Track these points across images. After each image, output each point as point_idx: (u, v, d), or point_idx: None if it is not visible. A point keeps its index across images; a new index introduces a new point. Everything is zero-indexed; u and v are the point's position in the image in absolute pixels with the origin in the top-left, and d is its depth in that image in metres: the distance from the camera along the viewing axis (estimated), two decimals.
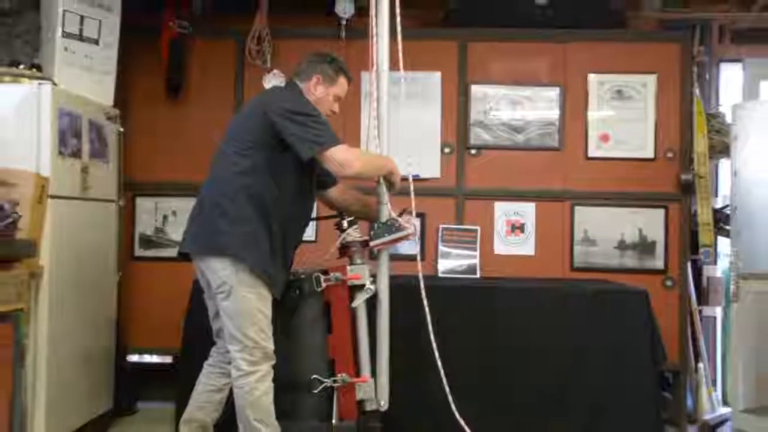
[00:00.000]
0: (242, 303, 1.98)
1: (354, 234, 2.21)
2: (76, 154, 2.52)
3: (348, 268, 2.16)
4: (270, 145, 2.01)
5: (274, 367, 2.05)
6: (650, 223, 3.01)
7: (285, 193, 2.04)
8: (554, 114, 3.07)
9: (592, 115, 3.07)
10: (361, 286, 2.15)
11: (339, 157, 1.99)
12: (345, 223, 2.22)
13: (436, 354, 2.20)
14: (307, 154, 1.98)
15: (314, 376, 2.15)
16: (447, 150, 3.08)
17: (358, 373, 2.17)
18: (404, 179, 2.21)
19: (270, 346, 2.03)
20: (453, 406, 2.22)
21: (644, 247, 3.02)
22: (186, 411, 2.16)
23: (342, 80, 2.17)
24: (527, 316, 2.57)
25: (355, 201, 2.35)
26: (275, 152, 2.02)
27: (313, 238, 2.98)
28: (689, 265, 3.03)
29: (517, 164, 3.07)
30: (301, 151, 1.98)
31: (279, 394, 2.18)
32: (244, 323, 1.97)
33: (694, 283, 3.06)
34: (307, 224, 2.21)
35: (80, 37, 2.62)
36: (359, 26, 2.73)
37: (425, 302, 2.20)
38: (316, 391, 2.13)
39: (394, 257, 2.31)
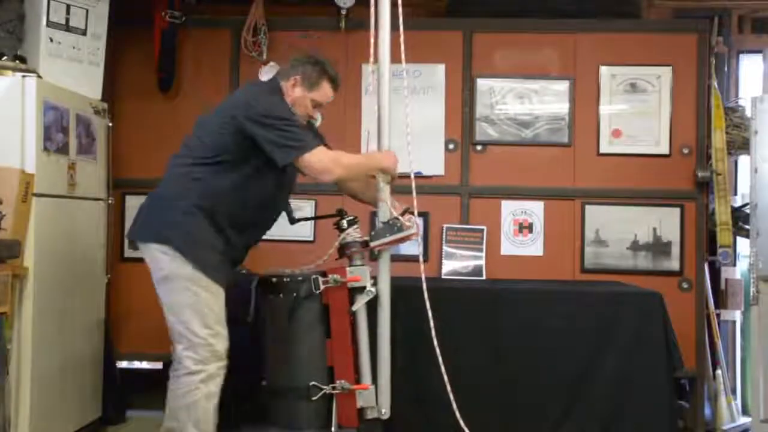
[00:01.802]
0: (183, 296, 1.93)
1: (354, 234, 2.20)
2: (63, 150, 2.48)
3: (347, 269, 2.15)
4: (235, 151, 1.95)
5: (273, 371, 2.03)
6: (665, 222, 2.94)
7: (247, 199, 1.99)
8: (564, 108, 3.00)
9: (604, 109, 3.00)
10: (362, 289, 2.14)
11: (317, 163, 1.94)
12: (345, 223, 2.21)
13: (440, 361, 2.17)
14: (283, 160, 1.93)
15: (312, 382, 2.13)
16: (451, 146, 3.01)
17: (358, 380, 2.17)
18: (406, 176, 2.17)
19: (219, 344, 1.96)
20: (458, 415, 2.18)
21: (659, 247, 2.94)
22: (164, 423, 2.10)
23: (325, 85, 2.08)
24: (535, 320, 2.52)
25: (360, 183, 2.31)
26: (240, 158, 1.96)
27: (311, 238, 2.99)
28: (706, 266, 2.97)
29: (524, 161, 3.01)
30: (276, 158, 1.93)
31: (275, 401, 2.16)
32: (188, 318, 1.93)
33: (711, 285, 3.01)
34: (269, 227, 2.16)
35: (66, 27, 2.58)
36: (360, 16, 2.68)
37: (428, 306, 2.17)
38: (314, 399, 2.12)
39: (396, 258, 2.28)
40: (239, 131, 1.93)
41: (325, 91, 2.08)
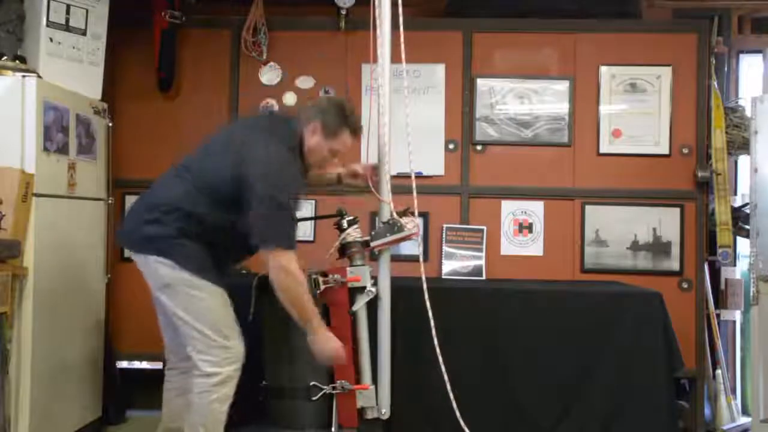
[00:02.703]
0: (188, 299, 1.93)
1: (354, 234, 2.19)
2: (63, 150, 2.47)
3: (348, 269, 2.14)
4: (231, 192, 1.91)
5: (273, 371, 2.01)
6: (665, 222, 2.94)
7: (235, 228, 1.94)
8: (564, 108, 2.99)
9: (604, 109, 3.00)
10: (362, 289, 2.14)
11: (283, 260, 1.86)
12: (345, 223, 2.20)
13: (441, 360, 2.16)
14: (255, 241, 1.89)
15: (313, 382, 2.12)
16: (451, 146, 3.00)
17: (358, 380, 2.16)
18: (406, 176, 2.16)
19: (233, 345, 1.95)
20: (458, 415, 2.18)
21: (659, 247, 2.94)
22: (160, 424, 2.12)
23: (345, 135, 2.03)
24: (535, 320, 2.51)
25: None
26: (235, 197, 1.92)
27: (311, 239, 2.97)
28: (706, 266, 2.96)
29: (524, 161, 3.00)
30: (252, 233, 1.88)
31: (276, 402, 2.14)
32: (197, 321, 1.92)
33: (711, 285, 3.00)
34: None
35: (66, 27, 2.57)
36: (360, 16, 2.67)
37: (428, 306, 2.16)
38: (314, 399, 2.12)
39: (396, 258, 2.28)
40: (240, 181, 1.89)
41: (344, 141, 2.03)
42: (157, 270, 1.93)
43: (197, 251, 1.93)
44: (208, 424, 1.93)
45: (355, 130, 2.05)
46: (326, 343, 1.97)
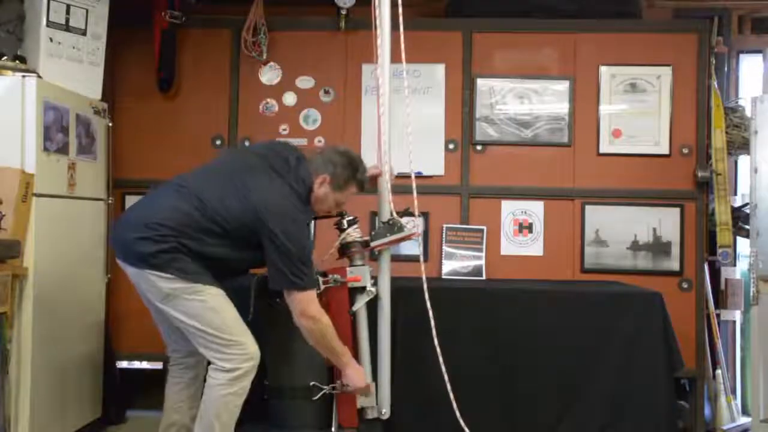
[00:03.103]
0: (192, 304, 1.94)
1: (354, 234, 2.20)
2: (63, 149, 2.47)
3: (348, 269, 2.15)
4: (242, 235, 1.95)
5: (273, 371, 2.02)
6: (665, 222, 2.93)
7: (237, 257, 1.99)
8: (564, 108, 2.99)
9: (604, 109, 2.99)
10: (362, 289, 2.14)
11: (303, 307, 1.93)
12: (345, 223, 2.20)
13: (441, 360, 2.16)
14: (275, 287, 1.93)
15: (312, 382, 2.12)
16: (451, 146, 3.00)
17: None
18: (406, 176, 2.16)
19: (245, 341, 1.97)
20: (458, 414, 2.18)
21: (659, 247, 2.93)
22: (163, 418, 2.12)
23: (351, 189, 2.08)
24: (535, 320, 2.50)
25: None
26: (243, 236, 1.95)
27: (311, 239, 2.92)
28: (706, 266, 2.95)
29: (524, 161, 2.99)
30: (271, 279, 1.93)
31: (276, 401, 2.13)
32: (205, 325, 1.95)
33: (711, 285, 3.00)
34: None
35: (66, 27, 2.57)
36: (360, 16, 2.66)
37: (428, 306, 2.16)
38: (314, 399, 2.12)
39: (396, 258, 2.29)
40: (255, 226, 1.92)
41: (350, 193, 2.09)
42: (155, 283, 1.94)
43: (194, 263, 1.95)
44: (223, 415, 1.94)
45: (362, 185, 2.09)
46: (355, 378, 2.05)
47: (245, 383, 1.96)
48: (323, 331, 1.96)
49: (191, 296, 1.93)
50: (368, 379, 2.10)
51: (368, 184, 2.14)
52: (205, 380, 2.01)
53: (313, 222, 2.13)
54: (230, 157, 2.20)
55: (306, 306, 1.92)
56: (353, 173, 2.05)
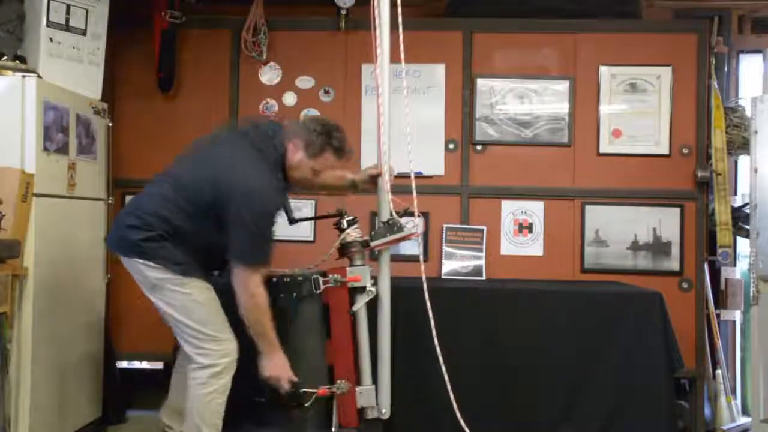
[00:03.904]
0: (176, 297, 1.97)
1: (354, 234, 2.19)
2: (63, 149, 2.47)
3: (348, 269, 2.14)
4: (211, 209, 1.96)
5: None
6: (665, 222, 2.93)
7: (216, 237, 1.99)
8: (564, 108, 2.99)
9: (604, 109, 2.99)
10: (362, 289, 2.13)
11: (246, 282, 1.92)
12: (344, 223, 2.20)
13: (441, 360, 2.16)
14: (230, 255, 1.94)
15: (311, 384, 2.08)
16: (451, 146, 3.00)
17: (358, 380, 2.15)
18: (406, 176, 2.15)
19: (225, 338, 2.00)
20: (458, 414, 2.17)
21: (659, 247, 2.93)
22: (165, 404, 2.17)
23: (328, 155, 2.03)
24: (535, 320, 2.50)
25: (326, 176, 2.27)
26: (214, 214, 1.96)
27: (311, 239, 2.96)
28: (706, 266, 2.95)
29: (524, 161, 3.00)
30: (230, 249, 1.94)
31: (276, 401, 2.12)
32: (187, 318, 1.98)
33: (711, 285, 3.00)
34: None
35: (66, 27, 2.57)
36: (359, 16, 2.66)
37: (428, 306, 2.16)
38: (307, 404, 2.08)
39: (396, 258, 2.29)
40: (221, 202, 1.93)
41: (326, 161, 2.04)
42: (143, 272, 1.98)
43: (180, 253, 1.97)
44: (205, 415, 1.97)
45: (340, 151, 2.04)
46: (275, 367, 2.00)
47: (224, 380, 1.98)
48: (259, 311, 1.95)
49: (176, 287, 1.96)
50: (290, 375, 2.01)
51: (348, 153, 2.08)
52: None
53: (287, 192, 2.09)
54: (213, 137, 2.19)
55: (249, 281, 1.91)
56: (328, 139, 2.01)
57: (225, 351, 1.98)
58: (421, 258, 2.19)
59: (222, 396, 1.99)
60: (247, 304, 1.94)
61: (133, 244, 1.97)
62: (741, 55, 3.31)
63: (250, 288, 1.93)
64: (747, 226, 2.86)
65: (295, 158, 2.02)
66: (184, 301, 1.97)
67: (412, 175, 2.15)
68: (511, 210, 2.98)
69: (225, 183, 1.92)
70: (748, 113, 2.91)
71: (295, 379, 2.02)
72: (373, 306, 2.14)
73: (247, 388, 2.13)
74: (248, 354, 2.04)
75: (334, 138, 2.02)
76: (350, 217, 2.19)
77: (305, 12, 3.07)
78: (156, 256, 1.96)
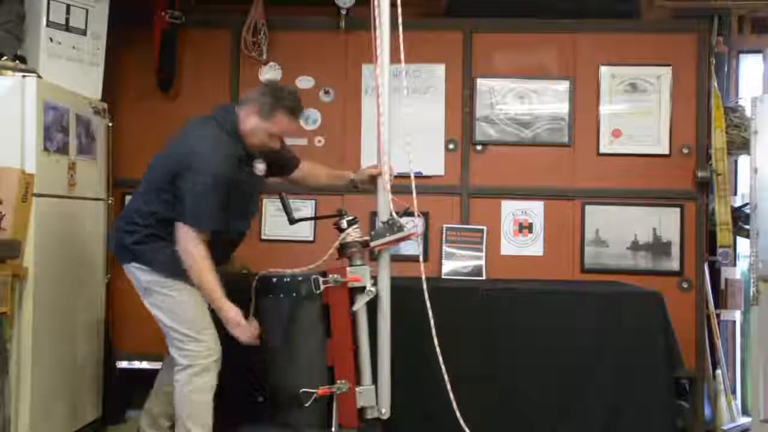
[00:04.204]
0: (162, 300, 2.02)
1: (354, 234, 2.19)
2: (63, 149, 2.47)
3: (348, 269, 2.14)
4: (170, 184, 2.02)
5: (274, 371, 2.01)
6: (665, 222, 2.93)
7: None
8: (564, 108, 2.99)
9: (604, 109, 2.99)
10: (362, 289, 2.13)
11: (187, 240, 1.96)
12: (344, 223, 2.20)
13: (441, 360, 2.15)
14: (179, 216, 1.98)
15: (311, 384, 2.09)
16: (451, 146, 2.99)
17: (358, 380, 2.15)
18: (406, 176, 2.15)
19: (206, 338, 2.03)
20: (458, 414, 2.17)
21: (659, 247, 2.93)
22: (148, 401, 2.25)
23: (280, 118, 2.04)
24: (535, 320, 2.51)
25: (325, 175, 2.34)
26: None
27: (311, 239, 2.96)
28: (706, 266, 2.95)
29: (524, 161, 3.00)
30: (180, 209, 1.98)
31: (276, 401, 2.12)
32: (173, 321, 2.03)
33: (711, 285, 3.00)
34: (243, 232, 2.19)
35: (66, 27, 2.58)
36: (359, 16, 2.66)
37: (428, 306, 2.16)
38: (306, 404, 2.09)
39: (396, 258, 2.28)
40: (175, 176, 1.98)
41: (281, 123, 2.04)
42: (137, 276, 2.04)
43: (170, 254, 2.00)
44: (192, 414, 2.00)
45: (292, 110, 2.05)
46: (230, 321, 2.00)
47: (206, 379, 2.00)
48: (200, 269, 1.97)
49: (164, 290, 2.01)
50: (242, 322, 2.02)
51: (299, 110, 2.09)
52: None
53: (246, 157, 2.09)
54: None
55: (187, 240, 1.95)
56: (278, 99, 2.02)
57: (206, 351, 2.01)
58: (421, 258, 2.19)
59: (207, 394, 2.01)
60: (186, 261, 1.97)
61: (126, 249, 2.05)
62: (741, 55, 3.30)
63: (188, 247, 1.95)
64: (747, 226, 2.86)
65: (249, 124, 2.04)
66: (170, 303, 2.02)
67: (412, 175, 2.14)
68: (511, 210, 2.98)
69: (180, 151, 1.99)
70: (748, 113, 2.91)
71: (257, 330, 2.02)
72: (373, 306, 2.14)
73: (247, 388, 2.14)
74: (247, 355, 2.04)
75: (285, 99, 2.04)
76: (350, 217, 2.18)
77: (305, 12, 3.07)
78: (144, 258, 2.01)
